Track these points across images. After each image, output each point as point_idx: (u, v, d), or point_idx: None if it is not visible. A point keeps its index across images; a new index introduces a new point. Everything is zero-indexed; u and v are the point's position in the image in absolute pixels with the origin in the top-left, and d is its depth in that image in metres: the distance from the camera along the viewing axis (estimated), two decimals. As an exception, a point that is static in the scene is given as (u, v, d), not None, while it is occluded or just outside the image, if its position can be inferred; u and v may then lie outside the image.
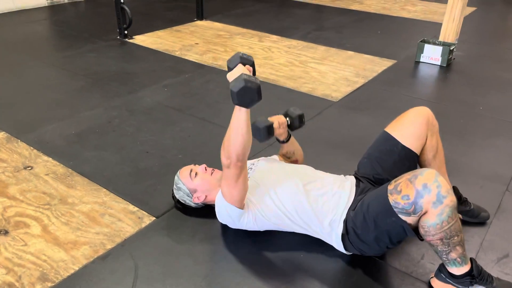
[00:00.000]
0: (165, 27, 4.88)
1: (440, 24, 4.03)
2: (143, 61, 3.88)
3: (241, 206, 1.71)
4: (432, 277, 1.63)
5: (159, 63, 3.83)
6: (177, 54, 4.06)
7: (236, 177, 1.62)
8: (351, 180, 1.80)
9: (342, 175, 1.88)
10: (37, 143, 2.53)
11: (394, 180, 1.51)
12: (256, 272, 1.68)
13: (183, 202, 1.93)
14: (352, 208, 1.67)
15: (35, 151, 2.45)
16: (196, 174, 1.89)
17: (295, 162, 2.06)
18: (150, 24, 4.92)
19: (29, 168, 2.29)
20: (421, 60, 3.93)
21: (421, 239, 1.53)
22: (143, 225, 1.90)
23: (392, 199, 1.47)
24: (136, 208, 2.01)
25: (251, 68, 1.59)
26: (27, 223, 1.91)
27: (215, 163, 2.03)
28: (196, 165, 1.96)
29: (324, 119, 2.93)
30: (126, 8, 4.28)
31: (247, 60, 1.58)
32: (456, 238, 1.45)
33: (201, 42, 4.41)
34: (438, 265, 1.71)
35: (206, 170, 1.91)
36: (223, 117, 2.88)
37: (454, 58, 3.96)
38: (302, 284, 1.63)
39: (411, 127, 1.81)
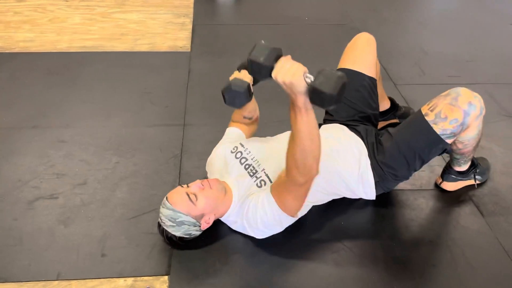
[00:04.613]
0: None
1: None
2: None
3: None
4: (441, 182, 1.81)
5: None
6: None
7: (308, 191, 1.40)
8: (344, 128, 1.73)
9: (329, 124, 1.78)
10: None
11: (428, 108, 1.52)
12: (328, 261, 1.51)
13: (187, 237, 1.49)
14: (375, 154, 1.62)
15: None
16: (195, 196, 1.46)
17: (256, 121, 1.82)
18: None
19: None
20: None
21: (448, 152, 1.65)
22: (165, 292, 1.39)
23: (439, 127, 1.49)
24: (130, 279, 1.43)
25: (290, 57, 1.24)
26: None
27: (161, 182, 1.64)
28: (184, 186, 1.50)
29: (199, 74, 2.59)
30: None
31: (280, 51, 1.21)
32: (480, 139, 1.63)
33: None
34: (428, 170, 1.91)
35: (203, 185, 1.49)
36: (93, 118, 2.20)
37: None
38: (375, 244, 1.58)
39: (370, 57, 1.82)
